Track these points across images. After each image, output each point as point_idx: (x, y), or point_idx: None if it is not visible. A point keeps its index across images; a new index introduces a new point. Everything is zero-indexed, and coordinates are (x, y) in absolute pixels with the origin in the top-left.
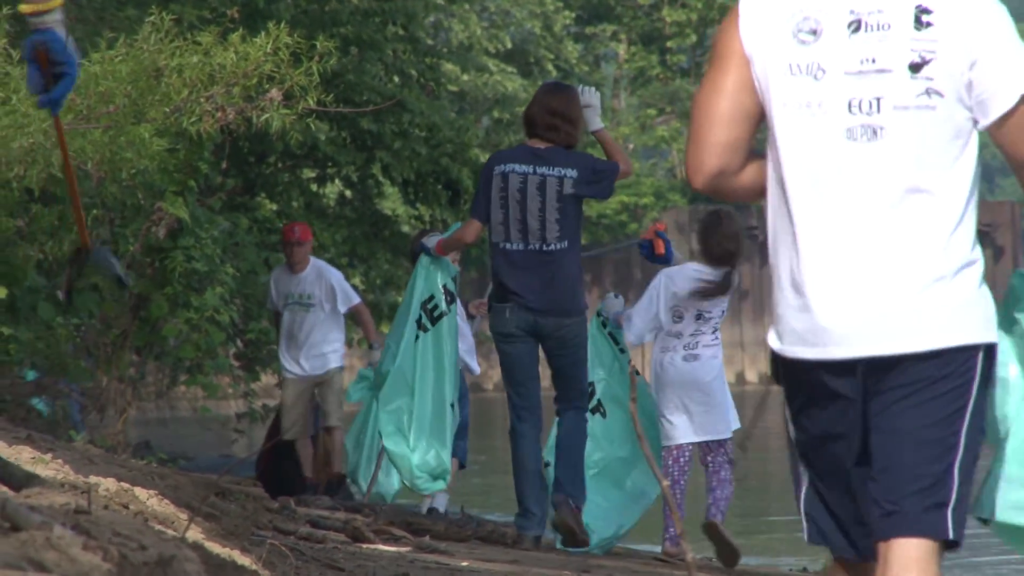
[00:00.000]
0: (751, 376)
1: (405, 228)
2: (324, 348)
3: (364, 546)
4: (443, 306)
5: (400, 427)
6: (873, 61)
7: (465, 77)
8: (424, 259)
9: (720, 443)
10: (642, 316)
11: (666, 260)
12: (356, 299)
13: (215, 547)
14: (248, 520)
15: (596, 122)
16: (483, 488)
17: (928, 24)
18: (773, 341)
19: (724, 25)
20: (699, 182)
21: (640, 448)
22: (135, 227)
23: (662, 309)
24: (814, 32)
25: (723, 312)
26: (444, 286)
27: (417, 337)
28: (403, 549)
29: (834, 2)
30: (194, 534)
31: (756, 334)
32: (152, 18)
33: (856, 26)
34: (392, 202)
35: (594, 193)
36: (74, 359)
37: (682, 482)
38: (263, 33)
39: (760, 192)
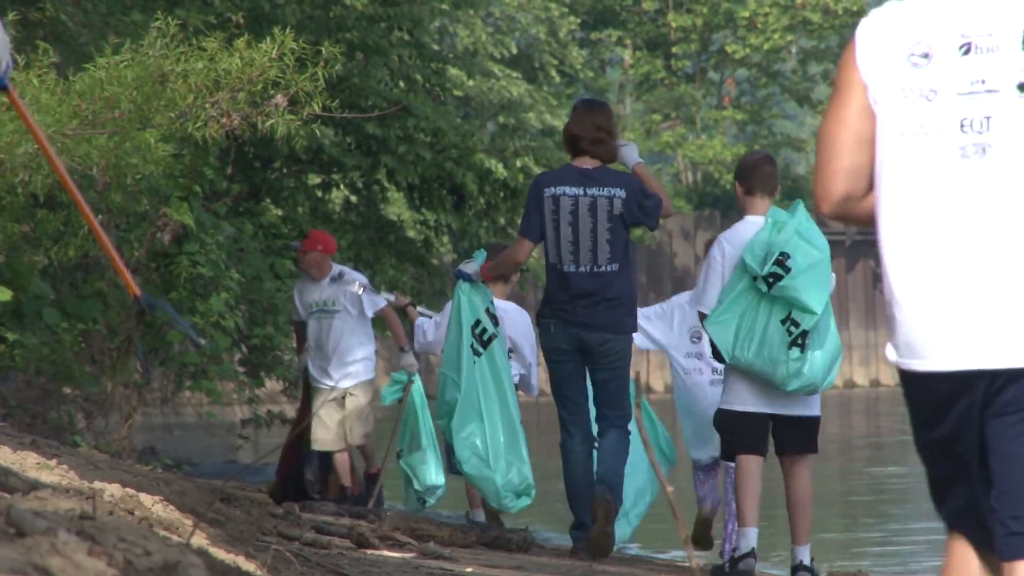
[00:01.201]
0: None
1: (410, 233)
2: (352, 357)
3: (369, 552)
4: (491, 328)
5: (476, 451)
6: (983, 82)
7: (470, 82)
8: (463, 286)
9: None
10: (657, 326)
11: None
12: (382, 302)
13: (220, 553)
14: (253, 526)
15: (635, 156)
16: None
17: None
18: (892, 354)
19: (843, 55)
20: (826, 208)
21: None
22: (140, 233)
23: (676, 327)
24: (926, 55)
25: None
26: (487, 309)
27: (474, 362)
28: (408, 555)
29: (946, 26)
30: (199, 540)
31: None
32: (158, 23)
33: (967, 48)
34: (397, 207)
35: (643, 219)
36: (79, 365)
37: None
38: (268, 39)
39: None
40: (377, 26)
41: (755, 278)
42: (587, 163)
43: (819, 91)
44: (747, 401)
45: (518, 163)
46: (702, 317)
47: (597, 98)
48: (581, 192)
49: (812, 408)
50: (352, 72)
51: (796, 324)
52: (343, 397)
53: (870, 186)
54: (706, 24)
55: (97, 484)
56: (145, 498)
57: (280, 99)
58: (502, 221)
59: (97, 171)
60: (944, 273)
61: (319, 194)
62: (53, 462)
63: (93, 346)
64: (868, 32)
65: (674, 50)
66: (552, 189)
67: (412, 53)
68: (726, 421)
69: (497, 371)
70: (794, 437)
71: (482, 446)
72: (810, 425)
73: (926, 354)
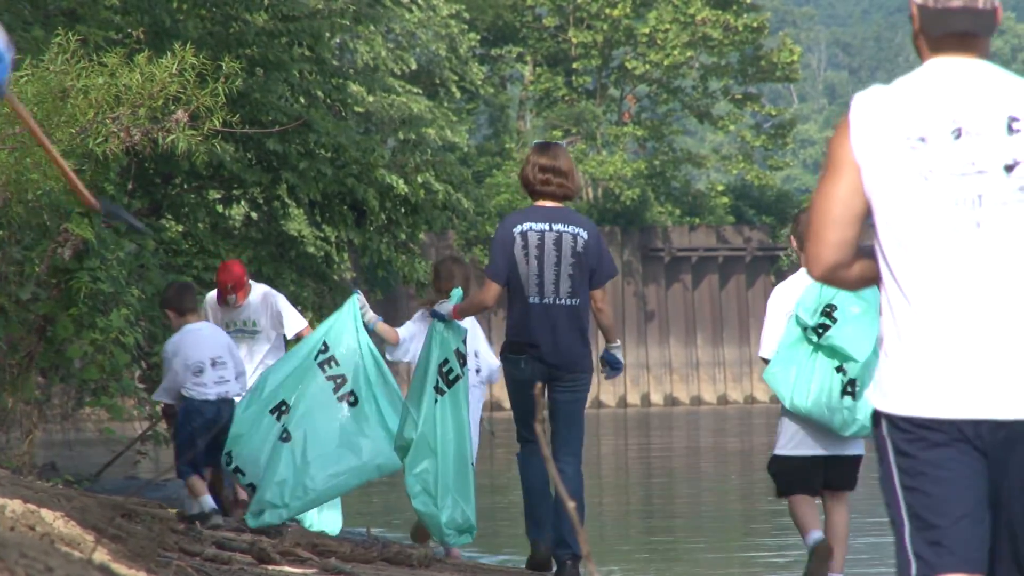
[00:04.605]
0: (657, 398)
1: (311, 249)
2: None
3: (270, 567)
4: (457, 369)
5: (426, 487)
6: (973, 164)
7: (371, 98)
8: (437, 324)
9: None
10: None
11: None
12: (303, 323)
13: (121, 569)
14: (154, 542)
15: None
16: (387, 509)
17: (1017, 131)
18: (886, 402)
19: (836, 134)
20: (817, 273)
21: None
22: (41, 248)
23: None
24: (922, 139)
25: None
26: (456, 349)
27: (436, 401)
28: (309, 571)
29: (939, 113)
30: (100, 556)
31: (661, 355)
32: (58, 39)
33: (958, 133)
34: (298, 224)
35: (596, 269)
36: None
37: None
38: (169, 54)
39: (867, 282)
40: (277, 41)
41: (805, 329)
42: (548, 203)
43: (719, 107)
44: (803, 445)
45: (419, 179)
46: (767, 363)
47: (548, 141)
48: (547, 227)
49: (859, 447)
50: (252, 88)
51: (844, 372)
52: None
53: (856, 256)
54: (606, 40)
55: None
56: (47, 514)
57: (181, 115)
58: (403, 237)
59: None
60: (947, 334)
61: (220, 210)
62: None
63: None
64: (863, 116)
65: (574, 66)
66: (520, 226)
67: (312, 69)
68: (783, 465)
69: (459, 411)
70: (840, 475)
71: (432, 483)
72: (855, 463)
73: (932, 402)
